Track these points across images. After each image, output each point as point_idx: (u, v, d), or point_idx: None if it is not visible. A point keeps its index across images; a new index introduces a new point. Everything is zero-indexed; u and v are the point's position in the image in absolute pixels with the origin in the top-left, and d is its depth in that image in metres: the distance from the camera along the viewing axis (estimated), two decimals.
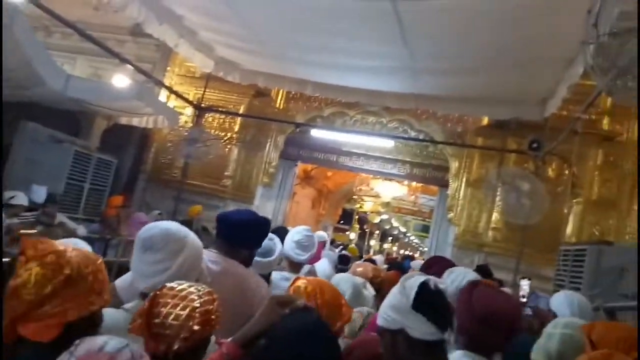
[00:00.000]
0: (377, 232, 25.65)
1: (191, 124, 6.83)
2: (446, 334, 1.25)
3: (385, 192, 11.14)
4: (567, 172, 5.54)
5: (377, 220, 18.89)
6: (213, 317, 1.18)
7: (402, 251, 26.20)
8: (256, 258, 2.28)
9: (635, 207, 5.45)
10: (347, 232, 20.41)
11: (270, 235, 2.54)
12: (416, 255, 21.43)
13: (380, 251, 22.70)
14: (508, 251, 5.70)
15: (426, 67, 4.52)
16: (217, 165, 6.86)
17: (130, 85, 5.24)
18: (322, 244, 6.40)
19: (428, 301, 1.24)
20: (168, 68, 7.33)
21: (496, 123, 5.98)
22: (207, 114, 6.92)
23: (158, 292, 1.18)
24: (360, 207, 17.62)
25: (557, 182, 5.64)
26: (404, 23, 3.55)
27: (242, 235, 1.97)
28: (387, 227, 24.28)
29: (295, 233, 2.99)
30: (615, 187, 5.57)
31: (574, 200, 5.58)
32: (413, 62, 4.37)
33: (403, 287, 1.29)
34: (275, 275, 2.98)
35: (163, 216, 5.80)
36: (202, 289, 1.20)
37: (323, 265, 3.46)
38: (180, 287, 1.19)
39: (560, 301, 2.41)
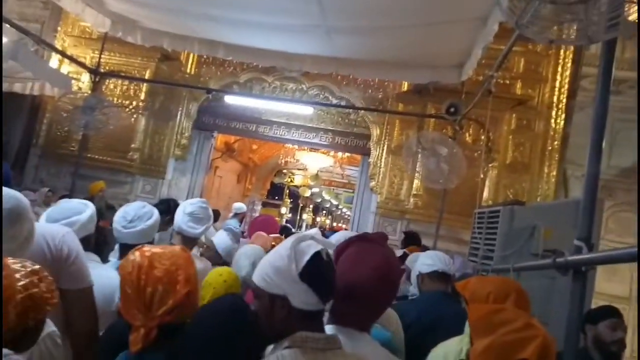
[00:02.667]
0: (311, 206, 25.74)
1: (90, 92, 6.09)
2: (327, 305, 1.20)
3: (311, 164, 10.93)
4: (483, 136, 5.58)
5: (307, 193, 18.79)
6: (40, 300, 1.07)
7: (331, 223, 26.49)
8: None
9: (546, 170, 5.64)
10: (279, 207, 20.23)
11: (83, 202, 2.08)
12: (344, 226, 21.67)
13: (314, 225, 22.78)
14: (429, 217, 5.70)
15: (339, 26, 4.24)
16: (123, 137, 6.22)
17: (4, 44, 4.46)
18: (242, 215, 6.07)
19: (317, 272, 1.15)
20: (59, 28, 6.45)
21: (415, 89, 5.89)
22: (107, 80, 6.20)
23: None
24: (291, 181, 17.41)
25: (475, 147, 5.68)
26: None
27: None
28: (319, 200, 24.39)
29: (188, 205, 2.63)
30: (528, 150, 5.72)
31: (490, 165, 5.66)
32: (325, 20, 4.06)
33: (293, 251, 1.15)
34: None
35: (53, 194, 5.14)
36: (25, 269, 1.08)
37: (221, 238, 3.04)
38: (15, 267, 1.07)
39: (427, 263, 2.33)
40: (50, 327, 1.27)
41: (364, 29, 4.31)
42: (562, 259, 1.47)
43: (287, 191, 19.71)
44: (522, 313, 1.22)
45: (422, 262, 2.34)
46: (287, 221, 20.59)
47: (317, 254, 1.15)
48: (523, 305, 1.49)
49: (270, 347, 1.19)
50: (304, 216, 24.12)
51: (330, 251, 1.24)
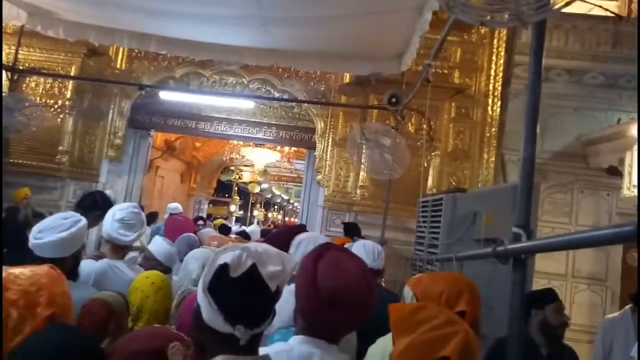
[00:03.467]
0: (262, 202, 25.47)
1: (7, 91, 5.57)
2: (237, 331, 0.97)
3: (257, 160, 10.73)
4: (425, 126, 5.65)
5: (257, 190, 18.56)
6: None
7: (283, 218, 26.41)
8: None
9: (485, 156, 5.81)
10: (228, 205, 19.83)
11: None
12: (296, 221, 21.67)
13: (258, 222, 22.51)
14: (376, 208, 5.72)
15: (275, 16, 4.11)
16: (48, 139, 5.76)
17: None
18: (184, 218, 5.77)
19: (222, 287, 0.98)
20: None
21: (357, 80, 5.87)
22: (28, 78, 5.70)
23: None
24: (239, 177, 17.09)
25: (417, 137, 5.74)
26: None
27: None
28: (269, 196, 24.18)
29: (118, 211, 2.47)
30: (467, 138, 5.86)
31: (433, 153, 5.75)
32: (260, 10, 3.91)
33: (213, 260, 1.03)
34: (102, 264, 2.39)
35: None
36: None
37: (157, 244, 2.82)
38: None
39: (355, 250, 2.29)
40: None
41: (301, 20, 4.21)
42: (502, 247, 1.45)
43: (236, 188, 19.37)
44: (444, 310, 1.18)
45: (353, 249, 2.30)
46: (237, 218, 20.27)
47: (225, 267, 0.99)
48: (475, 303, 1.51)
49: None
50: (255, 212, 23.84)
51: (272, 268, 1.01)
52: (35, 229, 1.94)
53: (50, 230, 1.90)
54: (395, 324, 1.11)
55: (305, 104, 6.08)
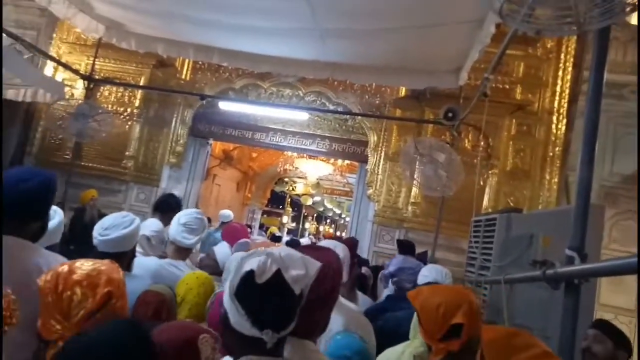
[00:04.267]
0: (314, 215, 25.60)
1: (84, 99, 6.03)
2: (265, 334, 0.99)
3: (310, 172, 10.81)
4: (482, 143, 5.45)
5: (309, 202, 18.68)
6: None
7: (334, 232, 26.33)
8: None
9: (548, 176, 5.50)
10: (281, 216, 20.13)
11: None
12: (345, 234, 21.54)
13: (317, 234, 22.62)
14: (427, 226, 5.56)
15: (332, 29, 4.18)
16: (117, 144, 6.15)
17: None
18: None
19: (249, 293, 1.01)
20: (54, 35, 6.42)
21: (413, 94, 5.79)
22: (102, 87, 6.14)
23: None
24: (293, 189, 17.31)
25: (474, 153, 5.54)
26: None
27: (28, 204, 1.52)
28: (321, 209, 24.26)
29: (183, 215, 2.71)
30: (528, 157, 5.58)
31: (490, 171, 5.52)
32: (317, 23, 3.99)
33: (239, 266, 1.05)
34: (159, 262, 2.64)
35: None
36: None
37: (222, 248, 3.07)
38: None
39: (424, 274, 2.54)
40: None
41: (357, 33, 4.23)
42: (552, 270, 1.34)
43: (289, 200, 19.62)
44: (538, 341, 1.13)
45: (421, 274, 2.56)
46: (289, 230, 20.50)
47: (251, 273, 1.01)
48: (473, 316, 1.45)
49: None
50: (307, 225, 23.99)
51: (295, 272, 1.04)
52: (98, 227, 2.12)
53: (114, 228, 2.09)
54: (490, 345, 1.10)
55: (359, 116, 6.07)
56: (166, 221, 3.08)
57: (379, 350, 1.75)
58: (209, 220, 6.90)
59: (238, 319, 1.01)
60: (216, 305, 1.68)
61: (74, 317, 1.16)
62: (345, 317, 1.69)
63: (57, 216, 2.05)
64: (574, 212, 1.36)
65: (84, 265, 1.25)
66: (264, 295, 1.00)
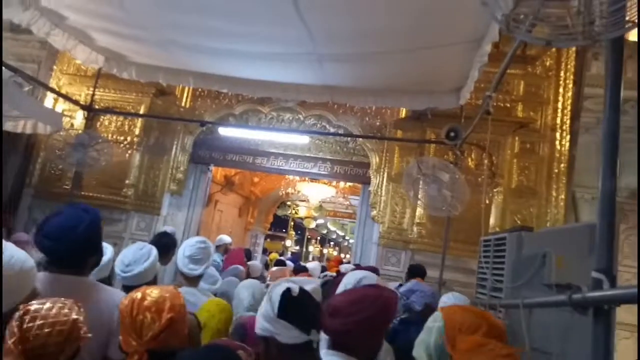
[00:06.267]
0: (318, 237, 25.40)
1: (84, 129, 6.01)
2: (313, 334, 1.32)
3: (312, 195, 10.74)
4: (486, 161, 5.40)
5: (312, 225, 18.55)
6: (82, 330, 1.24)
7: (343, 256, 26.09)
8: None
9: (554, 193, 5.42)
10: (284, 240, 19.95)
11: None
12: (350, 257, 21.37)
13: (321, 257, 22.39)
14: (434, 247, 5.46)
15: (329, 54, 4.18)
16: (117, 173, 6.10)
17: None
18: (224, 248, 5.82)
19: (291, 308, 1.33)
20: (55, 67, 6.46)
21: (414, 115, 5.77)
22: (102, 117, 6.14)
23: (23, 314, 1.16)
24: (295, 212, 17.22)
25: (478, 172, 5.49)
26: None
27: (86, 244, 1.72)
28: (325, 231, 24.09)
29: (187, 247, 2.76)
30: (533, 174, 5.52)
31: (495, 190, 5.45)
32: (315, 47, 3.99)
33: (270, 297, 1.36)
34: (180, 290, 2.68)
35: None
36: (65, 304, 1.24)
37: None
38: (46, 306, 1.19)
39: (444, 300, 2.65)
40: None
41: (355, 56, 4.22)
42: (580, 295, 1.26)
43: (292, 223, 19.49)
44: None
45: (442, 300, 2.69)
46: (292, 254, 20.29)
47: (286, 293, 1.33)
48: (494, 336, 1.51)
49: None
50: (310, 248, 23.76)
51: (311, 286, 1.42)
52: (119, 263, 2.26)
53: (135, 263, 2.22)
54: (461, 355, 1.35)
55: (361, 138, 6.04)
56: (164, 261, 3.10)
57: None
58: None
59: (287, 332, 1.29)
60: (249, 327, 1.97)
61: (145, 336, 1.39)
62: None
63: (108, 252, 2.23)
64: (599, 230, 1.28)
65: (152, 293, 1.47)
66: (302, 305, 1.34)
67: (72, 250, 1.66)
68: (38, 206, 6.18)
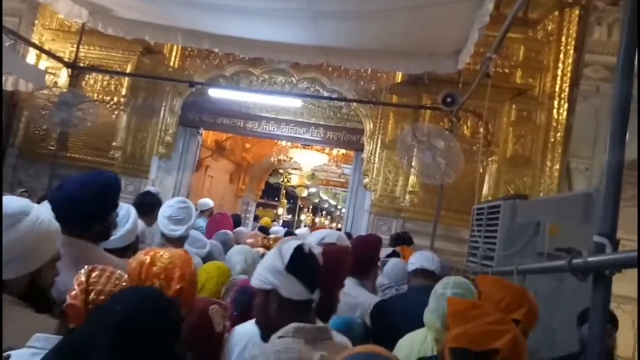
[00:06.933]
0: (310, 206, 25.44)
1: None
2: (314, 294, 1.32)
3: (305, 162, 10.62)
4: (482, 129, 5.29)
5: (304, 194, 18.49)
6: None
7: (330, 224, 26.21)
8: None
9: (549, 163, 5.35)
10: (276, 208, 19.94)
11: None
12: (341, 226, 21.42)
13: (313, 226, 22.45)
14: (426, 215, 5.41)
15: (325, 10, 3.98)
16: (104, 134, 5.93)
17: None
18: (210, 212, 5.68)
19: (301, 264, 1.32)
20: (36, 22, 6.16)
21: (410, 79, 5.61)
22: (87, 75, 5.91)
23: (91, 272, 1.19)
24: (288, 181, 17.12)
25: (473, 140, 5.39)
26: None
27: (89, 207, 1.67)
28: (317, 200, 24.10)
29: (167, 207, 2.65)
30: (529, 143, 5.43)
31: (490, 158, 5.37)
32: (310, 3, 3.78)
33: (279, 250, 1.36)
34: None
35: (30, 195, 4.84)
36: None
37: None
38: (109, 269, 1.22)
39: (411, 261, 2.53)
40: None
41: (351, 14, 4.04)
42: (581, 259, 1.18)
43: (284, 191, 19.42)
44: (498, 312, 1.33)
45: (410, 261, 2.57)
46: (284, 222, 20.33)
47: (299, 248, 1.33)
48: (531, 318, 1.54)
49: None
50: (303, 217, 23.83)
51: (315, 250, 1.40)
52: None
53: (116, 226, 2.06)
54: (453, 315, 1.31)
55: (355, 103, 5.88)
56: (149, 221, 2.96)
57: (390, 331, 1.92)
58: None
59: (292, 287, 1.29)
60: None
61: None
62: None
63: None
64: (604, 195, 1.20)
65: (163, 257, 1.40)
66: (310, 263, 1.34)
67: (72, 214, 1.61)
68: (22, 166, 6.03)
